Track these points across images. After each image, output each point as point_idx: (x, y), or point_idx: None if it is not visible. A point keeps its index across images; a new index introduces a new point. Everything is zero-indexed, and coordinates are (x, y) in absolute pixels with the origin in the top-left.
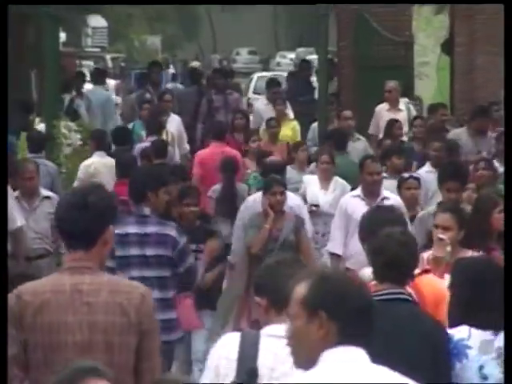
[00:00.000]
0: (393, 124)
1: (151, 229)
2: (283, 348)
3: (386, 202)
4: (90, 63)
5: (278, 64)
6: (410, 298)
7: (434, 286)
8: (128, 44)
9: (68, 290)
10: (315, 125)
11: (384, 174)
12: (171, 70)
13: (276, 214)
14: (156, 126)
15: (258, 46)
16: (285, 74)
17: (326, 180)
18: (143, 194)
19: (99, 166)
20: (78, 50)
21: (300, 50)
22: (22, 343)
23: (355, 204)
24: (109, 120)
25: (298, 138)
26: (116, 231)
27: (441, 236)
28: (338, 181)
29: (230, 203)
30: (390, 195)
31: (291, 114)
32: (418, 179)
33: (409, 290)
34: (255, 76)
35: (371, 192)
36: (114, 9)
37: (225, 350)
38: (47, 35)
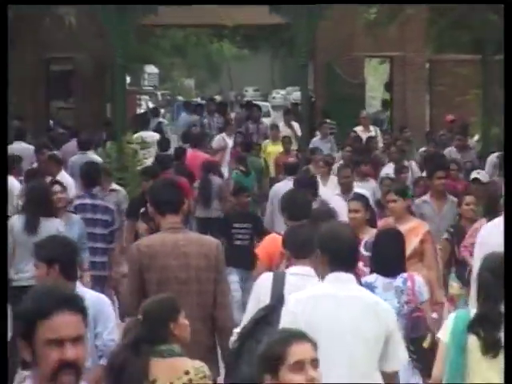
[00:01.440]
0: (370, 140)
1: None
2: (300, 281)
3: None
4: (146, 97)
5: (274, 98)
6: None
7: None
8: (172, 84)
9: (170, 243)
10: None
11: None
12: (200, 101)
13: None
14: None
15: (260, 85)
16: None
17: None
18: None
19: None
20: (138, 89)
21: (289, 88)
22: (141, 279)
23: (336, 200)
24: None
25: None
26: None
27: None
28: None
29: (206, 192)
30: (360, 191)
31: (299, 132)
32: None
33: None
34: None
35: (346, 190)
36: (162, 60)
37: (263, 284)
38: (118, 79)
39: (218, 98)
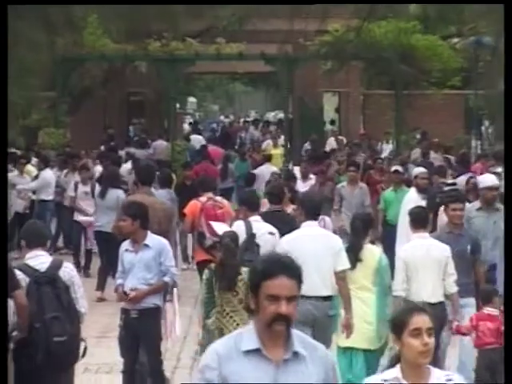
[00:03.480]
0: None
1: None
2: (255, 223)
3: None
4: (189, 117)
5: (267, 117)
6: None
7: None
8: (204, 108)
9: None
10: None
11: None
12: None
13: None
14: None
15: (259, 109)
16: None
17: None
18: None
19: None
20: (183, 111)
21: (276, 111)
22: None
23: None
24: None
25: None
26: None
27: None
28: None
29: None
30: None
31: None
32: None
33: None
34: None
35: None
36: (198, 93)
37: (239, 229)
38: (171, 105)
39: (232, 117)
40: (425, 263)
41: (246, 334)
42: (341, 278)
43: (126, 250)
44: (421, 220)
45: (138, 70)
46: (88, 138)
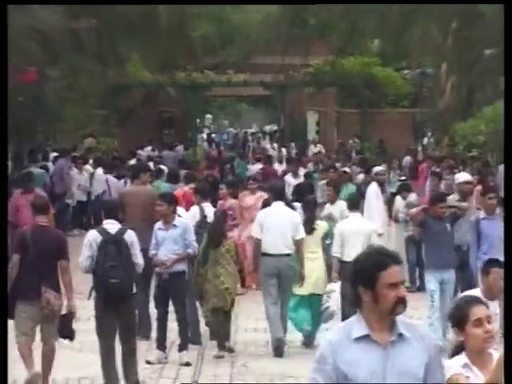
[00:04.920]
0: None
1: None
2: (206, 207)
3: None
4: (206, 129)
5: (265, 129)
6: None
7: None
8: (217, 123)
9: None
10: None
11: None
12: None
13: None
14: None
15: (258, 122)
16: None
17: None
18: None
19: None
20: (202, 125)
21: (272, 124)
22: None
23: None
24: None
25: None
26: None
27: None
28: None
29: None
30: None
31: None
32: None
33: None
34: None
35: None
36: (214, 111)
37: (195, 212)
38: (193, 121)
39: (238, 129)
40: (355, 234)
41: (356, 323)
42: (299, 244)
43: (159, 229)
44: (354, 204)
45: (168, 94)
46: (131, 144)
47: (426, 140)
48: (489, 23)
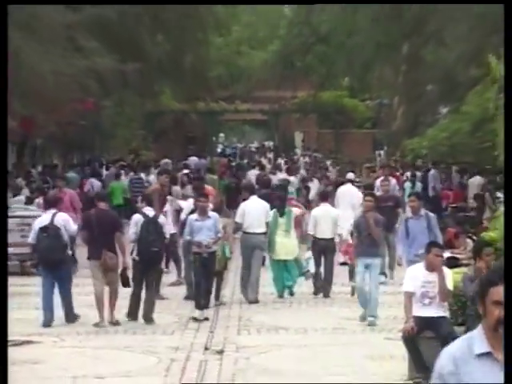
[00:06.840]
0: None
1: None
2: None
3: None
4: (220, 145)
5: (263, 145)
6: None
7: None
8: (228, 140)
9: None
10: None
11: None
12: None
13: None
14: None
15: (258, 140)
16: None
17: None
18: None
19: None
20: (217, 142)
21: (268, 141)
22: None
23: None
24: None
25: None
26: None
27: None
28: None
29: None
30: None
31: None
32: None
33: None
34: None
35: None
36: (226, 131)
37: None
38: (209, 138)
39: (244, 144)
40: (325, 217)
41: (477, 338)
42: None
43: (196, 220)
44: (324, 197)
45: (191, 119)
46: (163, 156)
47: (382, 153)
48: (430, 66)
